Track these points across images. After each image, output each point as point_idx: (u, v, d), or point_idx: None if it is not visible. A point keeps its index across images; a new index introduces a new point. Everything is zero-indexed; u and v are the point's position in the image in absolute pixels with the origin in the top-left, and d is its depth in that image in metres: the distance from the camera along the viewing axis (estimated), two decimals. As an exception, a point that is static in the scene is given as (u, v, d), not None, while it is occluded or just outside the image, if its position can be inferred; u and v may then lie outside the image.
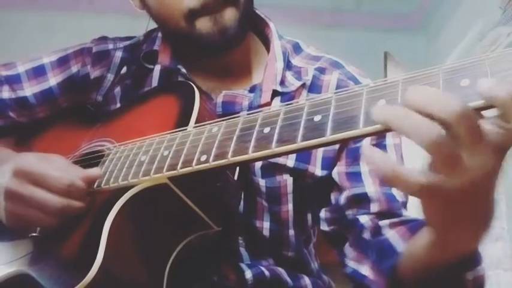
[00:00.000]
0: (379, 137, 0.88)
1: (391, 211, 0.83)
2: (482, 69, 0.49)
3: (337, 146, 0.88)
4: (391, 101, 0.52)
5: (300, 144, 0.57)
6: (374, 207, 0.84)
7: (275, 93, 0.90)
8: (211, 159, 0.64)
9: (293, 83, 0.91)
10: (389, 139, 0.89)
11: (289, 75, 0.92)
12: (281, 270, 0.88)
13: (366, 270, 0.80)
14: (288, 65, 0.94)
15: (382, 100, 0.53)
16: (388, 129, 0.52)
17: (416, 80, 0.53)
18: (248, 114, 0.66)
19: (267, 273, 0.85)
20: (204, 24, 0.85)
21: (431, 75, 0.52)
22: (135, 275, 0.71)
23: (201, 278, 0.81)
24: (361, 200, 0.85)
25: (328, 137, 0.55)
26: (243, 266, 0.85)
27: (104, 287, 0.66)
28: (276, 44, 0.94)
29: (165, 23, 0.91)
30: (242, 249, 0.87)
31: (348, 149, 0.88)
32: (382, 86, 0.55)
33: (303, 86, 0.91)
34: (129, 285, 0.71)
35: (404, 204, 0.85)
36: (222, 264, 0.84)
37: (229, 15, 0.85)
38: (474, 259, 0.65)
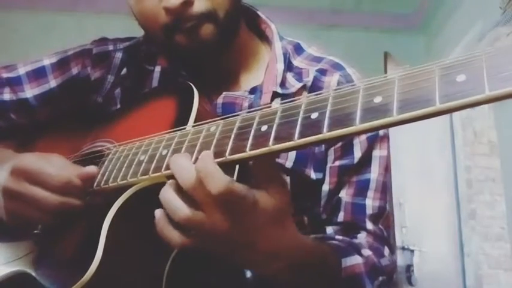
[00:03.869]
0: (367, 148, 0.89)
1: (354, 222, 0.86)
2: (479, 65, 0.49)
3: (323, 148, 0.89)
4: (387, 98, 0.53)
5: (297, 141, 0.57)
6: (341, 217, 0.86)
7: (275, 95, 0.90)
8: None
9: (293, 85, 0.91)
10: (376, 151, 0.90)
11: (289, 76, 0.92)
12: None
13: None
14: (289, 66, 0.94)
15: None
16: (382, 128, 0.53)
17: (413, 77, 0.53)
18: (247, 113, 0.66)
19: (267, 273, 0.85)
20: (181, 40, 0.85)
21: (427, 71, 0.52)
22: (134, 274, 0.71)
23: (201, 278, 0.81)
24: (334, 206, 0.87)
25: (325, 134, 0.55)
26: (244, 266, 0.85)
27: (102, 286, 0.66)
28: (277, 46, 0.94)
29: (148, 33, 0.92)
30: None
31: (335, 148, 0.89)
32: (379, 83, 0.55)
33: (304, 87, 0.91)
34: (128, 284, 0.71)
35: (373, 217, 0.87)
36: (222, 263, 0.84)
37: (206, 31, 0.83)
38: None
